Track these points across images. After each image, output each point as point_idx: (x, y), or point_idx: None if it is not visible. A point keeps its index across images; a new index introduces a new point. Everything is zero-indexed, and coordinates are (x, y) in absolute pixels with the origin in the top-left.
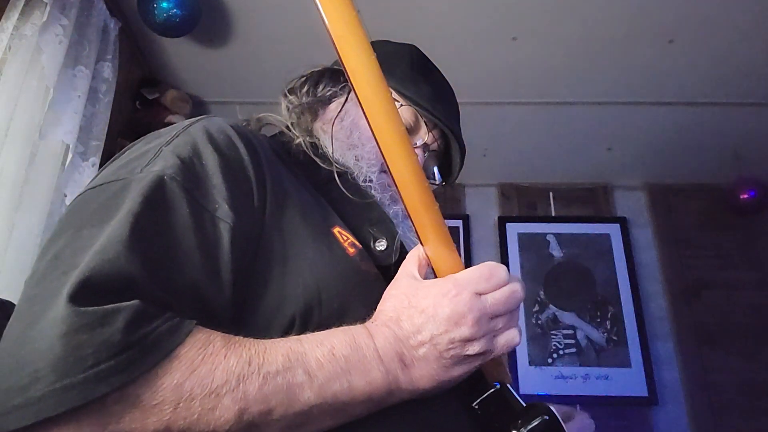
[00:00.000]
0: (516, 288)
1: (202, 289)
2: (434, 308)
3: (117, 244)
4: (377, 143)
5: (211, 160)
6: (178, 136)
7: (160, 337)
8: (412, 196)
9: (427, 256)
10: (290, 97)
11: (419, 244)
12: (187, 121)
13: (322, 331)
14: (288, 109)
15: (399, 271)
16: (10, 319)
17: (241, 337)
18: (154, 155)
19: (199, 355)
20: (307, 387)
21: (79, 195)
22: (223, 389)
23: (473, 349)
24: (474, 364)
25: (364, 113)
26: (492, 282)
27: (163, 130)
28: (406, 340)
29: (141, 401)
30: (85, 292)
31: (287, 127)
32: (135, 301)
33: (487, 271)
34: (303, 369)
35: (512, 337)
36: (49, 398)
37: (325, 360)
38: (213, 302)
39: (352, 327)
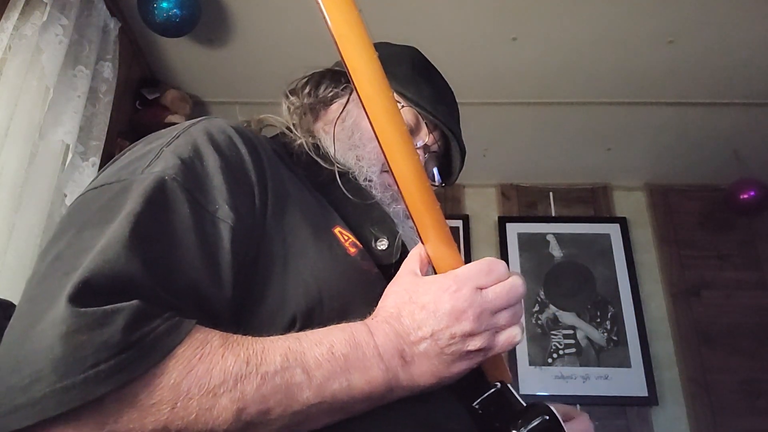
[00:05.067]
0: (517, 282)
1: (203, 289)
2: (435, 304)
3: (117, 245)
4: (379, 142)
5: (211, 161)
6: (178, 136)
7: (159, 337)
8: (414, 195)
9: (428, 255)
10: (291, 98)
11: (420, 243)
12: (188, 122)
13: (321, 329)
14: (289, 110)
15: (401, 268)
16: (11, 319)
17: (240, 336)
18: (155, 156)
19: (196, 355)
20: (305, 387)
21: (80, 196)
22: (220, 389)
23: (474, 344)
24: (475, 361)
25: (366, 113)
26: (492, 276)
27: (164, 130)
28: (406, 336)
29: (139, 401)
30: (85, 293)
31: (288, 128)
32: (135, 301)
33: (486, 266)
34: (301, 368)
35: (513, 335)
36: (50, 398)
37: (324, 359)
38: (214, 302)
39: (351, 324)
